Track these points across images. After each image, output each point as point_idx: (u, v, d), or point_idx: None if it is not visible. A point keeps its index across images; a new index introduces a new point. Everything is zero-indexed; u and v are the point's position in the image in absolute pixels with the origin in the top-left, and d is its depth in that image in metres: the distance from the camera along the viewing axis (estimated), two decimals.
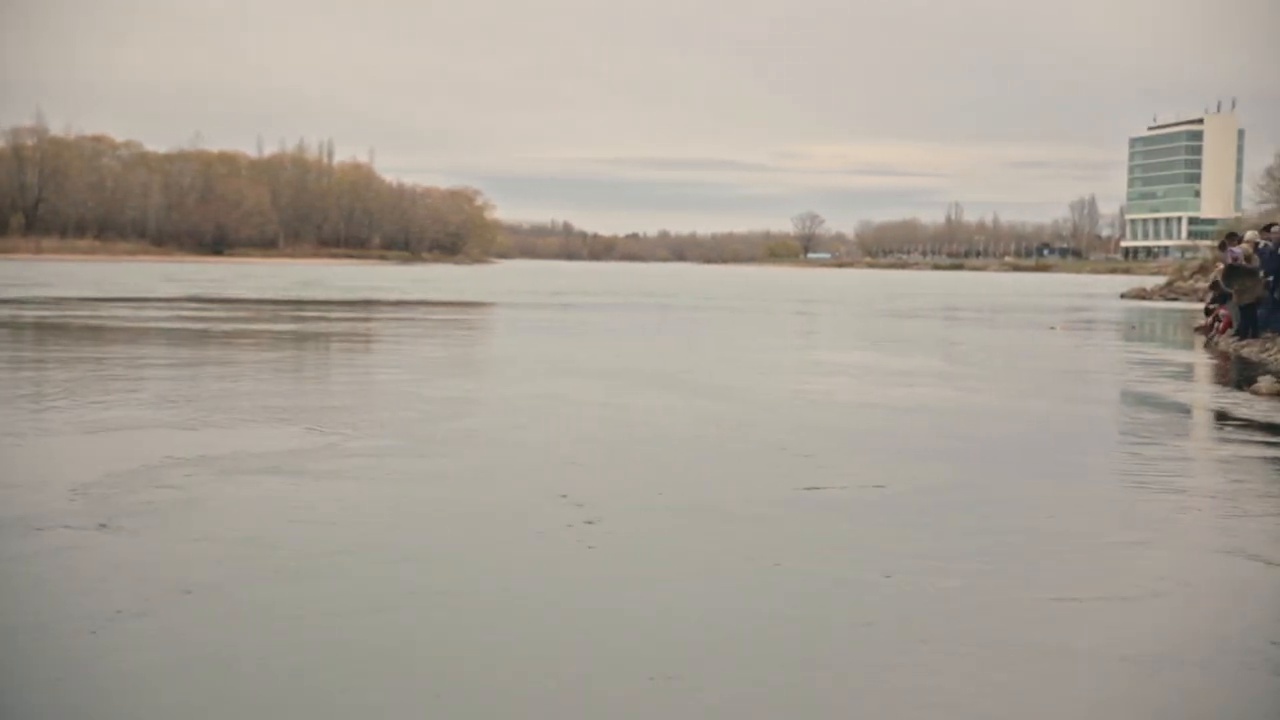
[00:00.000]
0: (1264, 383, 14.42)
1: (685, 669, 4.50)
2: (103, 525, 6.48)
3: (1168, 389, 15.07)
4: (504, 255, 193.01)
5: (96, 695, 4.18)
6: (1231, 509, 7.66)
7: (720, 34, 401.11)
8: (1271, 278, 21.05)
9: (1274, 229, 22.48)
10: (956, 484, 8.29)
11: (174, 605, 5.16)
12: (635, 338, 23.77)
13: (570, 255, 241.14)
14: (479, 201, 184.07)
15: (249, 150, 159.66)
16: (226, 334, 21.32)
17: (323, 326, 24.29)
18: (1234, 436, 11.01)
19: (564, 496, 7.46)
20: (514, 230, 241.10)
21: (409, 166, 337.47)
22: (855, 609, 5.30)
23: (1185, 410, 13.28)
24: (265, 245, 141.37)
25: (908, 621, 5.12)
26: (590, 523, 6.79)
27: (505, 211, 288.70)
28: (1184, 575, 6.06)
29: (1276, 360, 18.24)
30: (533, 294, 46.07)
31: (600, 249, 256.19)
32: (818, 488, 7.99)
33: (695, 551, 6.25)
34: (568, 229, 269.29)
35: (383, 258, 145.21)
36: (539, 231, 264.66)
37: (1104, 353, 21.86)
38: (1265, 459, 9.70)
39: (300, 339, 21.08)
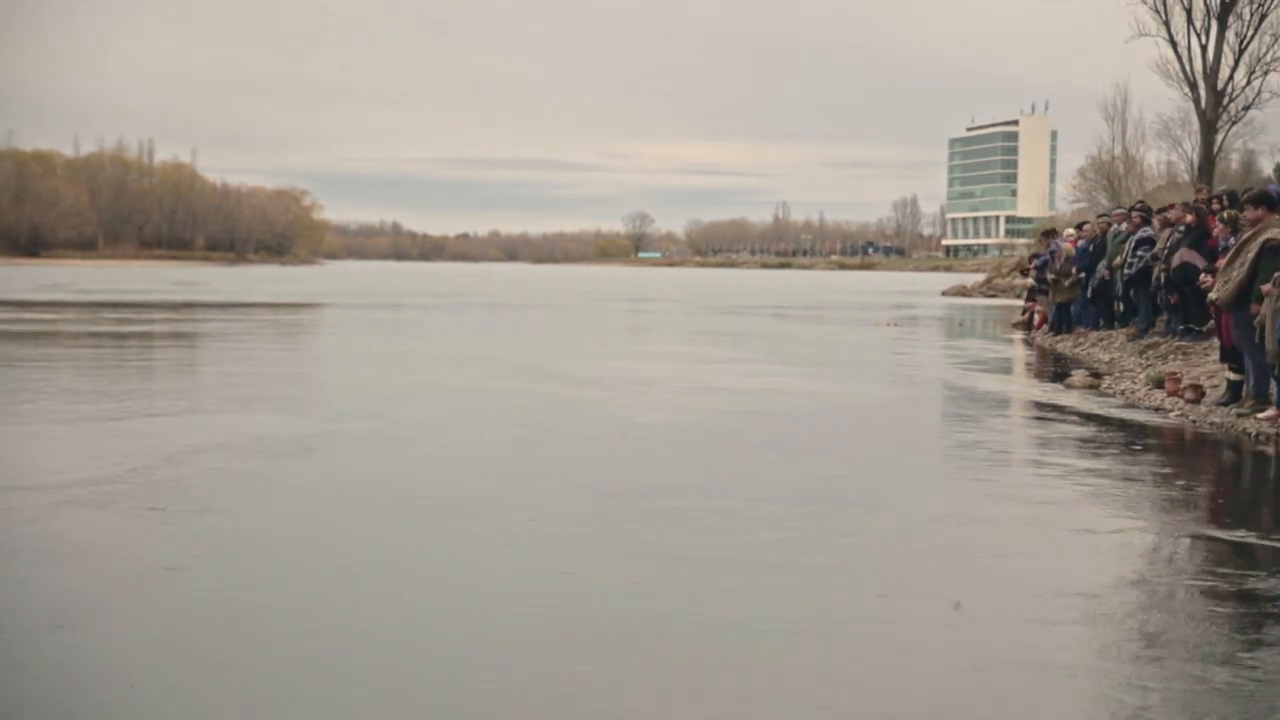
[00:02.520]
0: (1076, 377, 15.23)
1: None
2: None
3: (988, 382, 15.81)
4: (333, 256, 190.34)
5: None
6: (1038, 483, 8.23)
7: (543, 33, 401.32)
8: (1083, 275, 22.06)
9: (1085, 227, 23.57)
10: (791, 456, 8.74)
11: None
12: (490, 335, 23.96)
13: (400, 256, 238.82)
14: (306, 201, 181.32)
15: (65, 149, 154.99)
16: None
17: (135, 329, 24.01)
18: (1049, 422, 11.70)
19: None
20: (343, 231, 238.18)
21: (234, 166, 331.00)
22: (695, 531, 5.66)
23: (1004, 401, 13.99)
24: (84, 246, 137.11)
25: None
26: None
27: (334, 212, 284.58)
28: (995, 540, 6.56)
29: (1089, 355, 19.17)
30: (370, 294, 45.71)
31: (431, 249, 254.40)
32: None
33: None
34: (397, 229, 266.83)
35: (207, 258, 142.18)
36: (368, 232, 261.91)
37: (929, 348, 22.69)
38: (1072, 439, 10.36)
39: (125, 339, 20.81)
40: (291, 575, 5.97)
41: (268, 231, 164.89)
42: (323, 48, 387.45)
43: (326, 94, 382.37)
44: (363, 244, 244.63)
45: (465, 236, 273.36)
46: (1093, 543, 6.79)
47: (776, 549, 6.47)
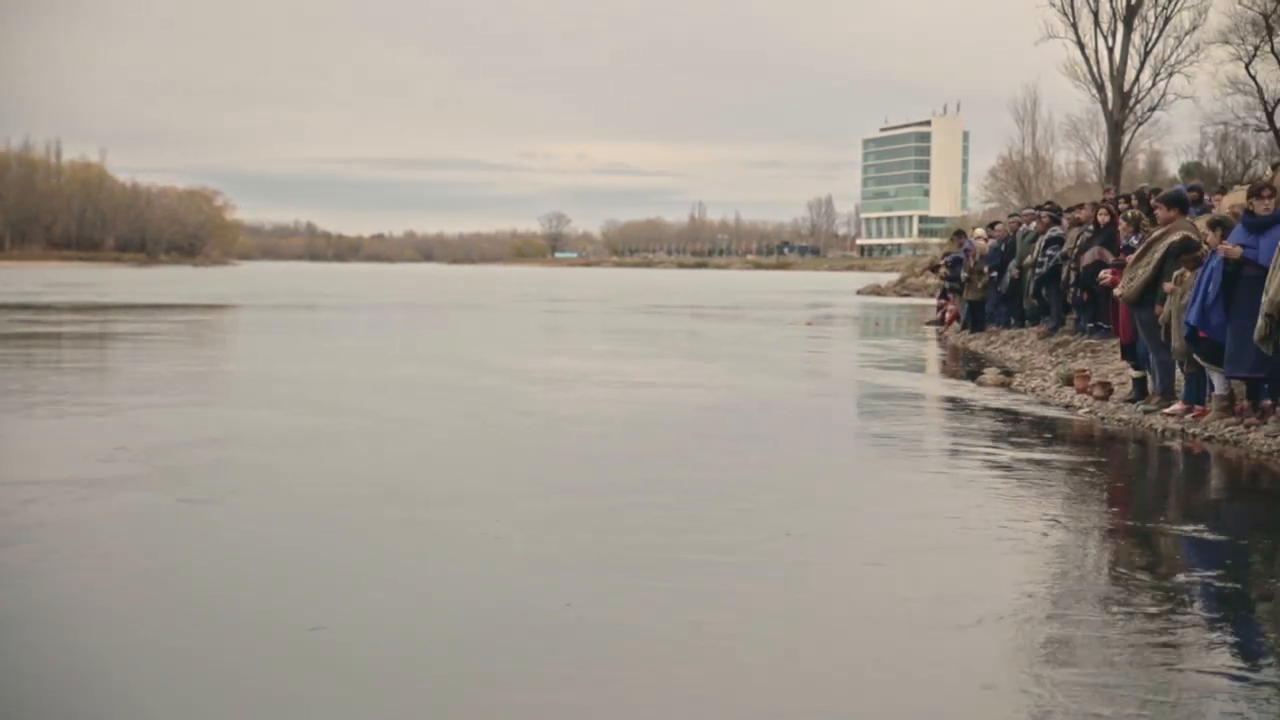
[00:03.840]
0: (989, 374, 15.45)
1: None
2: None
3: (903, 380, 15.99)
4: (246, 257, 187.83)
5: None
6: (952, 478, 8.36)
7: (455, 31, 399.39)
8: (995, 274, 22.37)
9: (997, 227, 23.90)
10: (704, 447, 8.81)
11: None
12: (424, 335, 23.86)
13: (315, 256, 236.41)
14: (219, 202, 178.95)
15: None
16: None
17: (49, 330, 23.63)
18: (962, 418, 11.87)
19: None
20: (256, 231, 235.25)
21: (144, 167, 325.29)
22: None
23: (918, 399, 14.16)
24: None
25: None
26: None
27: (247, 212, 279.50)
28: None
29: (1000, 353, 19.44)
30: (286, 295, 45.24)
31: (345, 250, 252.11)
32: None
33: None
34: (311, 230, 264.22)
35: (118, 259, 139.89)
36: (282, 232, 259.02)
37: (845, 346, 22.91)
38: (985, 435, 10.52)
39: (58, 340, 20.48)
40: (280, 568, 6.03)
41: (179, 232, 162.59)
42: (234, 47, 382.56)
43: (238, 94, 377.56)
44: (277, 244, 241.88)
45: (381, 237, 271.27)
46: (1003, 536, 6.90)
47: (710, 547, 6.53)
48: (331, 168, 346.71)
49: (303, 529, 7.02)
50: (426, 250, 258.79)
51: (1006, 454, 9.90)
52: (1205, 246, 10.96)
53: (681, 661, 4.82)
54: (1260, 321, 9.74)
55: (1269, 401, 10.45)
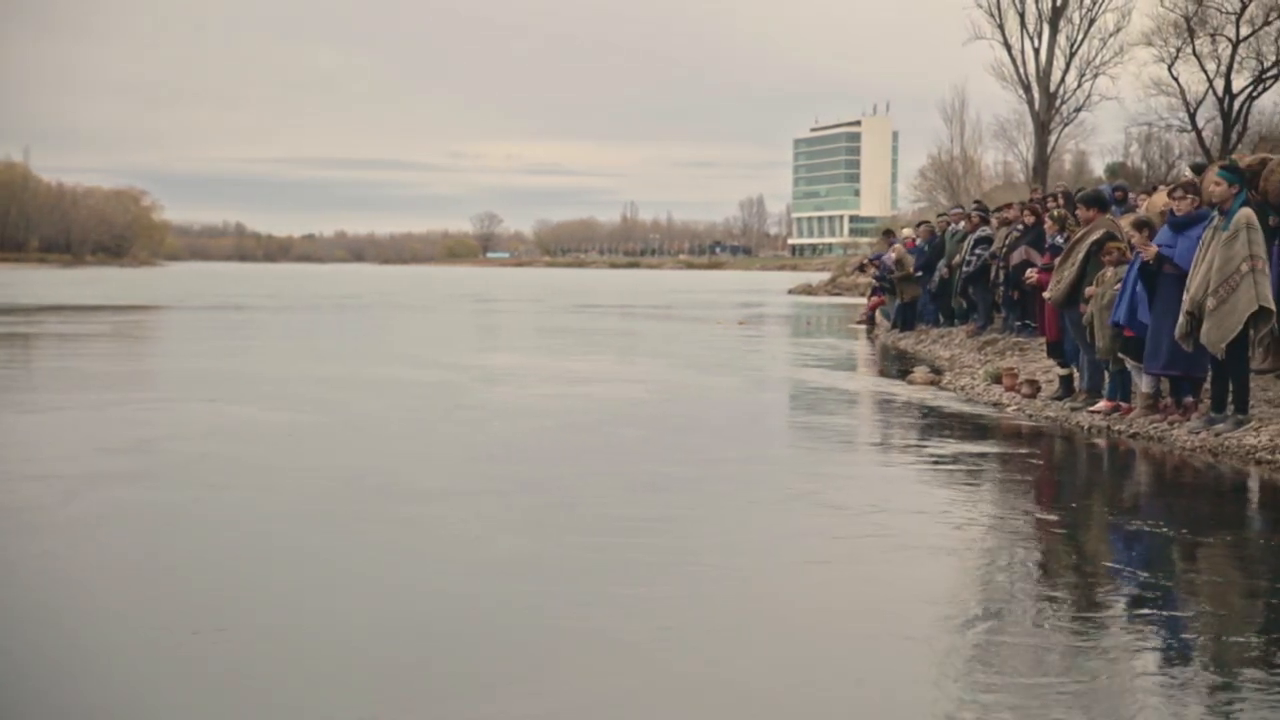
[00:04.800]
0: (918, 372, 15.61)
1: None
2: None
3: (834, 378, 16.11)
4: (174, 257, 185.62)
5: None
6: (882, 474, 8.46)
7: (384, 31, 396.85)
8: (921, 274, 22.60)
9: (922, 226, 24.14)
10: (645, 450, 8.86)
11: None
12: (366, 334, 23.71)
13: (244, 257, 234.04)
14: (146, 202, 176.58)
15: None
16: None
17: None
18: (891, 416, 12.00)
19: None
20: (184, 232, 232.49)
21: (69, 166, 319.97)
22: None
23: (849, 397, 14.28)
24: None
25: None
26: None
27: (174, 212, 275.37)
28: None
29: (930, 352, 19.64)
30: (216, 296, 44.78)
31: (275, 250, 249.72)
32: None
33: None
34: (240, 230, 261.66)
35: (42, 260, 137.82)
36: (210, 233, 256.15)
37: (778, 345, 23.03)
38: (914, 433, 10.64)
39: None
40: (256, 564, 6.03)
41: (105, 232, 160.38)
42: (160, 46, 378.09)
43: (165, 93, 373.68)
44: (205, 245, 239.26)
45: (311, 238, 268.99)
46: (930, 535, 6.98)
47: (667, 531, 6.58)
48: (261, 167, 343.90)
49: (280, 524, 7.12)
50: (357, 251, 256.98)
51: (935, 451, 10.02)
52: (1126, 244, 11.15)
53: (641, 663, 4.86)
54: (1181, 319, 9.93)
55: (1191, 399, 10.65)
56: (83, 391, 13.44)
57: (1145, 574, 6.26)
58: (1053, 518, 7.59)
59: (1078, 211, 12.32)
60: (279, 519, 7.28)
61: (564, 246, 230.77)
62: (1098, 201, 12.11)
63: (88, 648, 4.90)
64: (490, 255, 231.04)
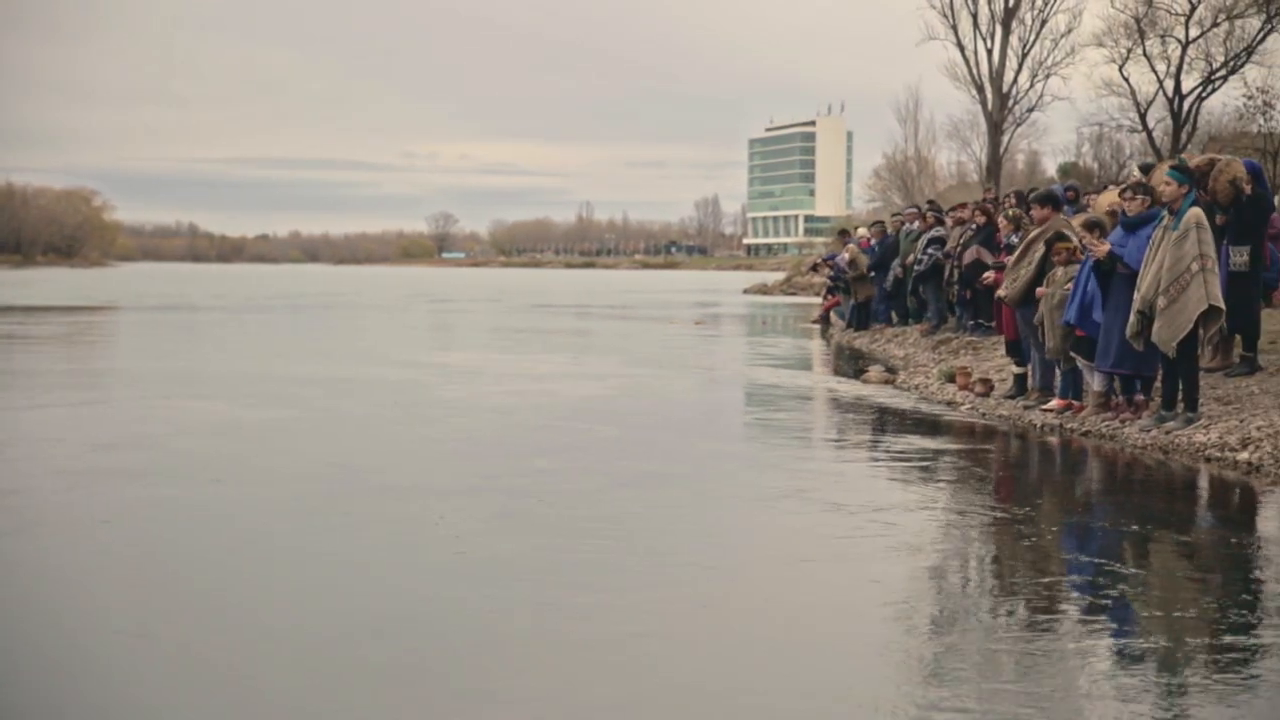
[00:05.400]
0: (873, 372, 15.69)
1: None
2: None
3: (789, 377, 16.17)
4: (126, 258, 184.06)
5: None
6: (837, 471, 8.50)
7: (336, 31, 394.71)
8: (874, 273, 22.71)
9: (875, 226, 24.25)
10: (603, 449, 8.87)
11: None
12: (333, 333, 23.60)
13: (197, 257, 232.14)
14: (97, 202, 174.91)
15: None
16: None
17: None
18: (846, 415, 12.05)
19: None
20: (136, 232, 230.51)
21: (19, 166, 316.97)
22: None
23: (804, 395, 14.33)
24: None
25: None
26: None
27: (126, 213, 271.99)
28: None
29: (884, 351, 19.74)
30: (174, 297, 44.44)
31: (229, 251, 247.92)
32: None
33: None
34: (193, 230, 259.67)
35: None
36: (163, 233, 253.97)
37: (734, 345, 23.07)
38: (868, 431, 10.70)
39: None
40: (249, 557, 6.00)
41: (56, 233, 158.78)
42: (113, 46, 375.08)
43: (117, 93, 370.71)
44: (158, 245, 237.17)
45: (265, 238, 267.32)
46: (884, 533, 7.02)
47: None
48: (213, 168, 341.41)
49: (263, 519, 7.19)
50: (312, 251, 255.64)
51: (889, 450, 10.08)
52: (1077, 243, 11.24)
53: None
54: (1132, 318, 10.03)
55: (1142, 397, 10.75)
56: (60, 391, 13.67)
57: (1099, 572, 6.32)
58: (1006, 516, 7.64)
59: (1032, 211, 12.42)
60: (278, 515, 7.44)
61: (519, 247, 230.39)
62: (1051, 200, 12.20)
63: (84, 645, 4.89)
64: (446, 255, 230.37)
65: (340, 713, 4.30)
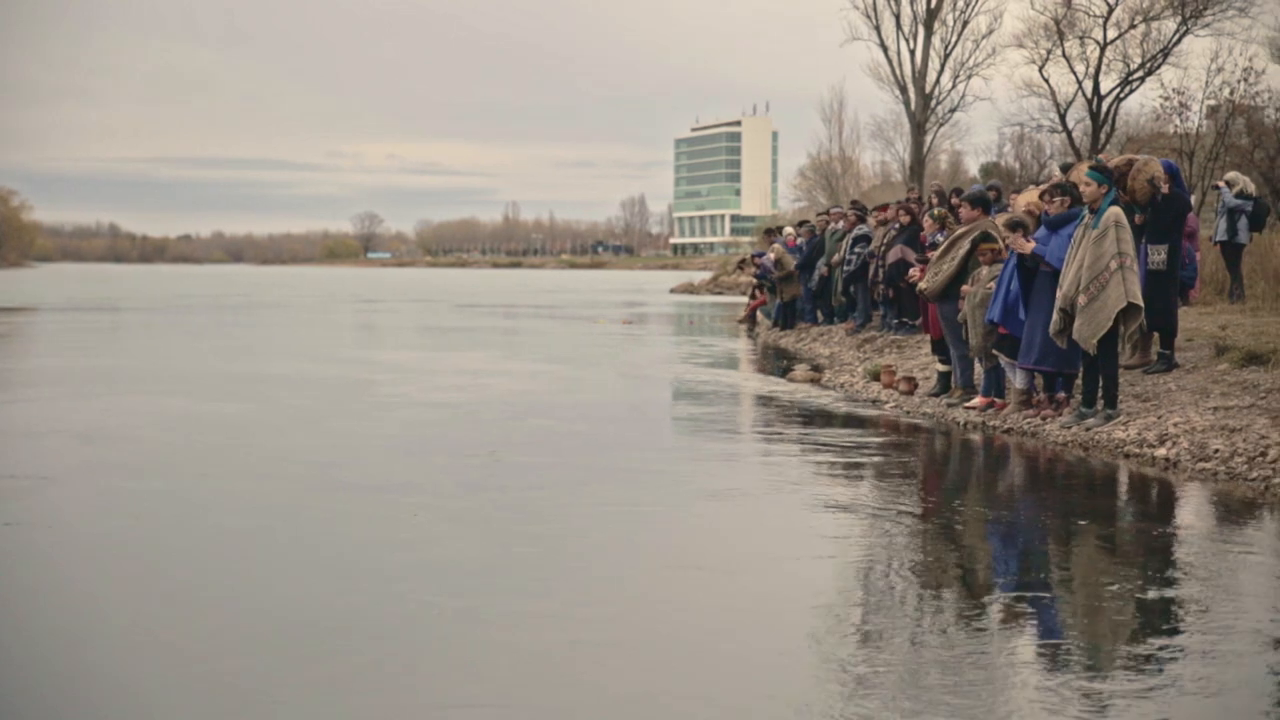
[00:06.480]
0: (799, 370, 15.79)
1: None
2: None
3: (717, 376, 16.21)
4: (45, 258, 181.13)
5: None
6: (763, 469, 8.54)
7: (258, 29, 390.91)
8: (802, 272, 22.83)
9: (804, 226, 24.38)
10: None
11: None
12: (265, 333, 23.35)
13: (118, 258, 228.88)
14: (15, 202, 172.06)
15: None
16: None
17: None
18: (772, 413, 12.11)
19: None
20: (56, 232, 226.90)
21: None
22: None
23: (731, 394, 14.38)
24: None
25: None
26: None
27: (45, 213, 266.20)
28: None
29: (810, 350, 19.85)
30: (98, 298, 43.81)
31: (151, 251, 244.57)
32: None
33: None
34: (114, 230, 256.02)
35: None
36: (83, 234, 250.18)
37: (661, 344, 23.09)
38: (794, 429, 10.76)
39: None
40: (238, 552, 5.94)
41: None
42: (29, 43, 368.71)
43: (34, 91, 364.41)
44: (78, 246, 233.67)
45: (188, 238, 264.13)
46: (808, 533, 7.07)
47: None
48: (134, 167, 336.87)
49: (232, 513, 7.05)
50: (235, 251, 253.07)
51: (814, 448, 10.14)
52: (1001, 244, 11.37)
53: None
54: (1055, 316, 10.16)
55: (1063, 394, 10.89)
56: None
57: (1023, 568, 6.40)
58: (930, 513, 7.72)
59: (960, 211, 12.54)
60: (247, 510, 7.52)
61: (446, 246, 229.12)
62: (980, 201, 12.34)
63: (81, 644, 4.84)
64: (371, 256, 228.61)
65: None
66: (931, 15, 43.94)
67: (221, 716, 4.30)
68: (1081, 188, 10.27)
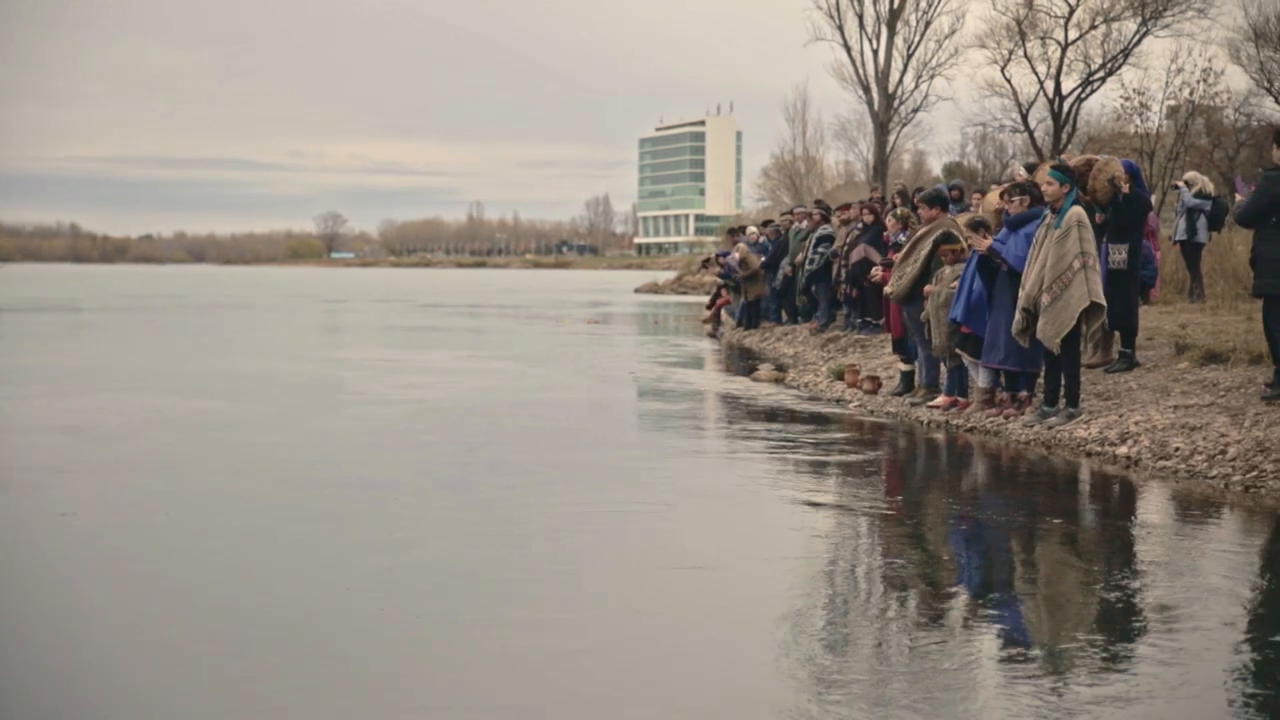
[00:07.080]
0: (763, 370, 15.82)
1: None
2: None
3: (681, 375, 16.23)
4: (5, 259, 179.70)
5: None
6: (727, 468, 8.56)
7: (220, 27, 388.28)
8: (767, 271, 22.87)
9: (768, 226, 24.44)
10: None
11: None
12: (235, 333, 23.21)
13: (79, 258, 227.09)
14: None
15: None
16: None
17: None
18: (736, 412, 12.13)
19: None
20: (15, 233, 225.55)
21: None
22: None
23: (696, 393, 14.40)
24: None
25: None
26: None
27: (4, 213, 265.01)
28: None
29: (774, 349, 19.89)
30: (64, 299, 43.49)
31: (112, 251, 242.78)
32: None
33: None
34: (75, 230, 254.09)
35: None
36: (43, 234, 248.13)
37: (626, 343, 23.08)
38: (758, 428, 10.79)
39: None
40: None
41: None
42: None
43: None
44: (38, 246, 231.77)
45: (149, 238, 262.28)
46: (778, 531, 7.09)
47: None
48: (95, 167, 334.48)
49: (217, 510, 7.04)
50: (198, 251, 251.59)
51: (778, 447, 10.16)
52: (964, 243, 11.43)
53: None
54: (1017, 315, 10.22)
55: (1026, 393, 10.95)
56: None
57: (986, 565, 6.44)
58: (894, 512, 7.75)
59: (920, 210, 12.59)
60: (233, 507, 7.58)
61: (410, 246, 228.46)
62: (938, 200, 12.39)
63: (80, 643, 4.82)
64: (335, 255, 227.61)
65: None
66: (894, 15, 44.14)
67: (221, 716, 4.29)
68: (1044, 187, 10.34)
